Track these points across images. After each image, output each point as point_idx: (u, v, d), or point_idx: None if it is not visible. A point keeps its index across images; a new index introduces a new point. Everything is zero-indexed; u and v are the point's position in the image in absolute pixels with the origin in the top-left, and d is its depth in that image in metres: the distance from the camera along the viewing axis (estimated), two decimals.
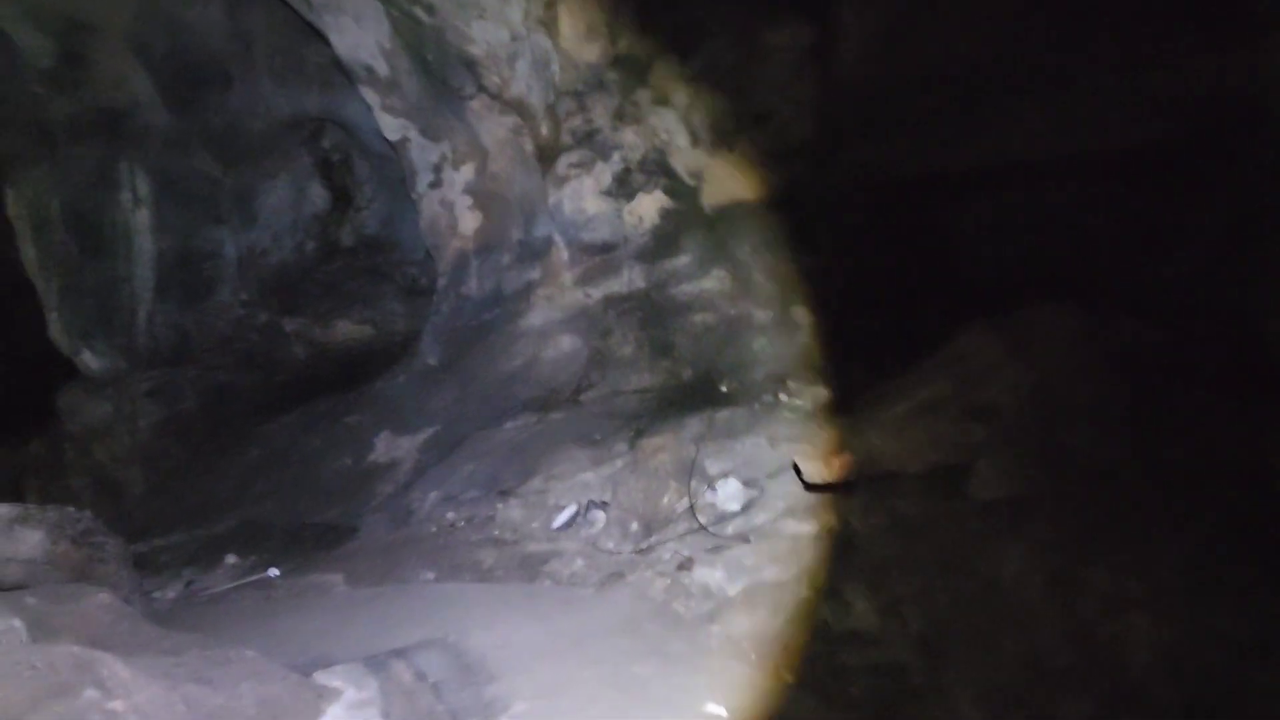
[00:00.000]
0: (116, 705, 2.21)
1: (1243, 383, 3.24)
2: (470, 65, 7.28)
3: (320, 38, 8.36)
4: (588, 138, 7.36)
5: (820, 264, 6.55)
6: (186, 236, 10.74)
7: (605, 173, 7.30)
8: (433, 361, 7.95)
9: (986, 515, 3.02)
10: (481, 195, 7.80)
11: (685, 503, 4.93)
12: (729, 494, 4.94)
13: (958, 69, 6.12)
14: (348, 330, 11.17)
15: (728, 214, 6.99)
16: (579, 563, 4.75)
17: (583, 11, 7.07)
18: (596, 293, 7.27)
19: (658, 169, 7.26)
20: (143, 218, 10.70)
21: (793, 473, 4.28)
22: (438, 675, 3.06)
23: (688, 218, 7.13)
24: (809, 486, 3.95)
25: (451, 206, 7.97)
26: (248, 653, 2.88)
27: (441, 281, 8.26)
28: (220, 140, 10.54)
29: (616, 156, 7.30)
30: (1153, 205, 5.14)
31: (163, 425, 10.33)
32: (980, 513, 3.06)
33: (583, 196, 7.33)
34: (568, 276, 7.37)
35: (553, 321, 7.37)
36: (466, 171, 7.77)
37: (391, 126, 7.92)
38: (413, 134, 7.92)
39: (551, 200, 7.38)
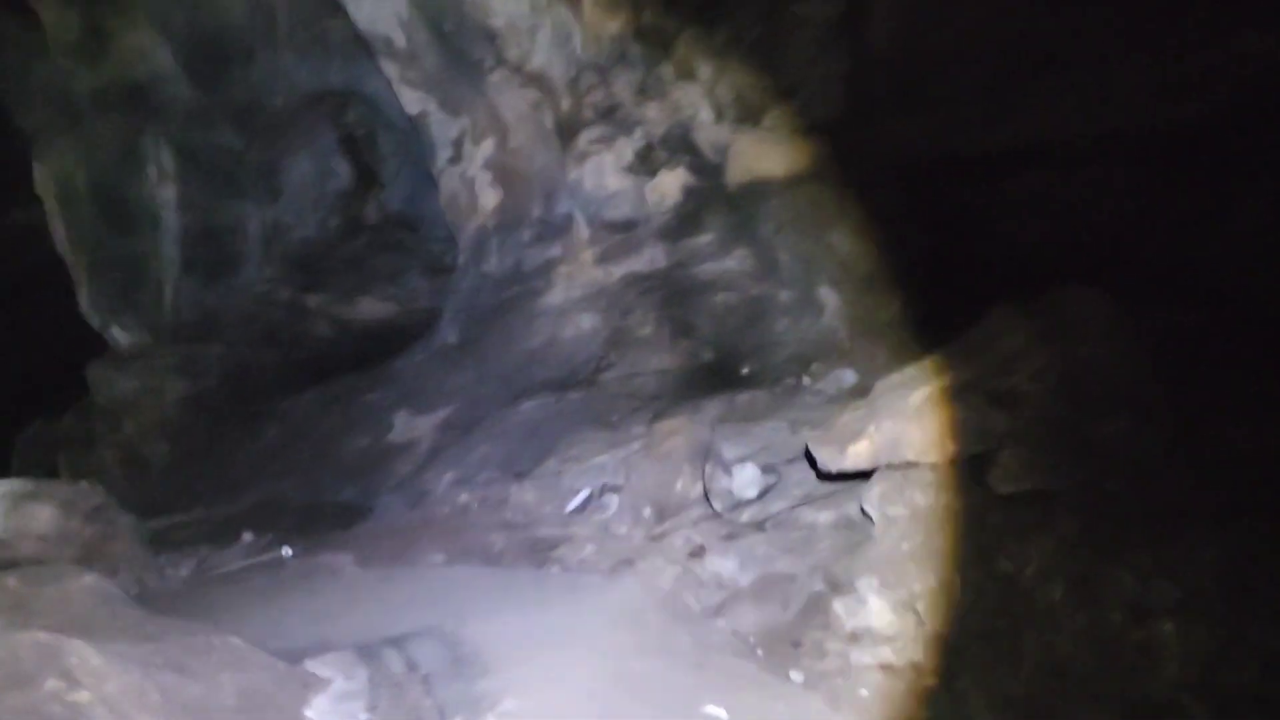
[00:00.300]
0: (81, 696, 2.11)
1: None
2: (490, 37, 7.13)
3: (342, 10, 8.24)
4: (609, 112, 7.20)
5: (846, 244, 6.36)
6: (210, 212, 10.72)
7: (627, 148, 7.14)
8: (452, 340, 7.86)
9: (1009, 509, 2.85)
10: (501, 171, 7.66)
11: (699, 488, 4.79)
12: (745, 480, 4.78)
13: (989, 45, 5.90)
14: (371, 308, 11.11)
15: (752, 191, 6.81)
16: (589, 548, 4.63)
17: None
18: (617, 271, 7.12)
19: (681, 145, 7.09)
20: (168, 193, 10.70)
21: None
22: (430, 666, 2.96)
23: (711, 195, 6.95)
24: (823, 475, 3.79)
25: (471, 183, 7.84)
26: (233, 640, 2.79)
27: (461, 259, 8.15)
28: (243, 115, 10.49)
29: (639, 132, 7.14)
30: (1192, 186, 4.91)
31: (188, 401, 10.36)
32: (1002, 506, 2.89)
33: (604, 173, 7.17)
34: (588, 254, 7.23)
35: (572, 300, 7.24)
36: (486, 147, 7.64)
37: (411, 100, 7.79)
38: (432, 108, 7.79)
39: (572, 176, 7.23)
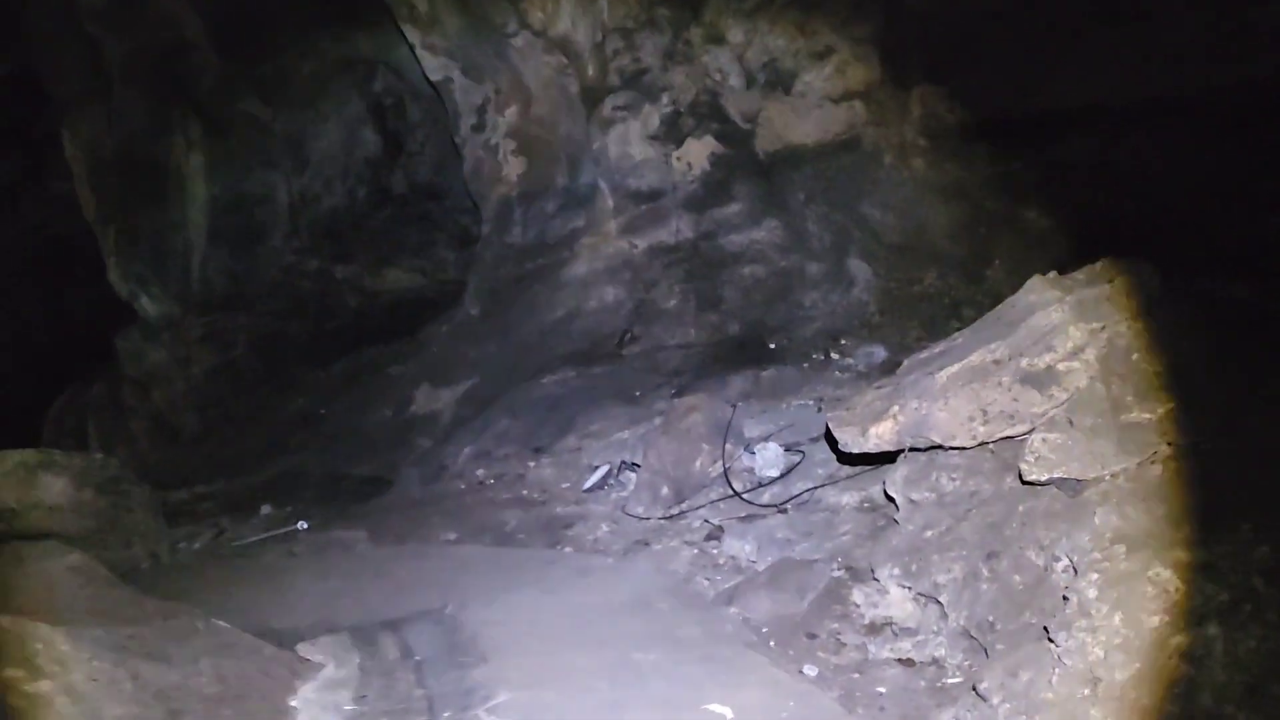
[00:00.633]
0: (42, 686, 2.00)
1: None
2: (514, 0, 6.93)
3: None
4: (635, 78, 6.98)
5: (879, 214, 6.13)
6: (237, 181, 10.64)
7: (653, 116, 6.92)
8: (475, 312, 7.72)
9: (1041, 498, 2.66)
10: (525, 139, 7.48)
11: (719, 467, 4.62)
12: (768, 459, 4.61)
13: (1032, 4, 5.61)
14: (398, 278, 11.00)
15: (782, 160, 6.59)
16: (604, 528, 4.48)
17: None
18: (642, 242, 6.93)
19: (709, 112, 6.86)
20: (195, 162, 10.62)
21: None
22: (426, 652, 2.83)
23: (739, 164, 6.73)
24: (844, 457, 3.60)
25: (495, 151, 7.67)
26: (219, 623, 2.67)
27: (485, 229, 7.99)
28: (270, 83, 10.37)
29: (665, 98, 6.92)
30: (1247, 151, 4.62)
31: (215, 372, 10.34)
32: (1034, 494, 2.69)
33: (629, 141, 6.97)
34: (612, 225, 7.04)
35: (596, 272, 7.06)
36: (510, 114, 7.45)
37: (433, 66, 7.62)
38: (455, 74, 7.61)
39: (596, 145, 7.04)
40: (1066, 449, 2.61)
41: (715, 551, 3.98)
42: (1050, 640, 2.24)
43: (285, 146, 10.78)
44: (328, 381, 9.08)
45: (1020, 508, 2.71)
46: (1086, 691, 2.07)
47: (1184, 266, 3.36)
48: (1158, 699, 1.91)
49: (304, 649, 2.94)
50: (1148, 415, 2.58)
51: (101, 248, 10.83)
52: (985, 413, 2.97)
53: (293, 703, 2.48)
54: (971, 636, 2.67)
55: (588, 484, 5.15)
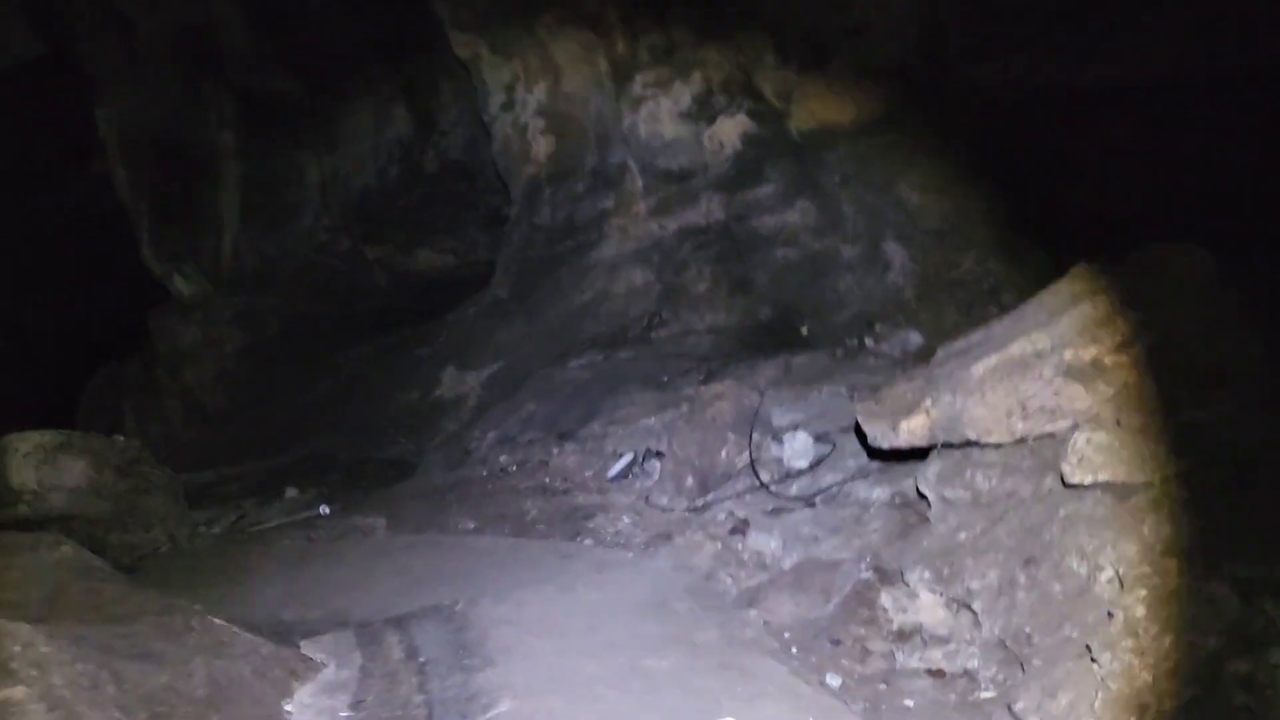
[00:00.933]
0: (15, 693, 1.90)
1: None
2: None
3: None
4: (666, 55, 6.78)
5: (915, 196, 5.91)
6: (269, 160, 10.60)
7: (684, 93, 6.73)
8: (502, 294, 7.61)
9: (1084, 502, 2.47)
10: (554, 117, 7.32)
11: (746, 457, 4.46)
12: (797, 449, 4.43)
13: None
14: (430, 259, 10.92)
15: (816, 139, 6.37)
16: (625, 520, 4.35)
17: None
18: (672, 224, 6.76)
19: (741, 90, 6.65)
20: (227, 140, 10.61)
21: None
22: (431, 652, 2.71)
23: (772, 144, 6.53)
24: (874, 452, 3.43)
25: (524, 130, 7.52)
26: (215, 621, 2.57)
27: (514, 210, 7.87)
28: (301, 61, 10.30)
29: (697, 76, 6.72)
30: None
31: (247, 351, 10.36)
32: (1076, 497, 2.51)
33: (659, 119, 6.79)
34: (642, 206, 6.88)
35: (625, 254, 6.91)
36: (539, 92, 7.29)
37: (461, 42, 7.48)
38: (483, 50, 7.46)
39: (626, 123, 6.87)
40: (1113, 450, 2.42)
41: (739, 547, 3.83)
42: (1093, 659, 2.07)
43: (316, 125, 10.73)
44: (356, 363, 9.03)
45: (1061, 511, 2.53)
46: (1133, 714, 1.90)
47: (1242, 251, 3.14)
48: None
49: (307, 646, 2.84)
50: (1204, 414, 2.38)
51: (135, 226, 10.86)
52: (1024, 408, 2.79)
53: (287, 707, 2.38)
54: (1007, 648, 2.50)
55: (611, 472, 5.01)
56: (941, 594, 2.78)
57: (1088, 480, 2.45)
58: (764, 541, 3.75)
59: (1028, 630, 2.44)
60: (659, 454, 4.88)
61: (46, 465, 5.11)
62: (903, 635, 2.80)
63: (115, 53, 10.55)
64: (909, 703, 2.51)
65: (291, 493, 6.31)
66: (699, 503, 4.33)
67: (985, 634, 2.59)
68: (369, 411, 7.97)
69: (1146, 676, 1.90)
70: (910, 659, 2.69)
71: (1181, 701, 1.83)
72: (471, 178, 11.37)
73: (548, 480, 5.17)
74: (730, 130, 6.61)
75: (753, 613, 3.02)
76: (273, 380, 9.81)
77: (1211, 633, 1.88)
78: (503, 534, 4.38)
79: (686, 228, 6.69)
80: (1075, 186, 5.16)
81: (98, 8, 10.34)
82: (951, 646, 2.67)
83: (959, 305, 5.38)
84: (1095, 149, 5.13)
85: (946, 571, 2.80)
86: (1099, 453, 2.44)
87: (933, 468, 3.10)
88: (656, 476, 4.70)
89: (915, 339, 5.50)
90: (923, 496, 3.19)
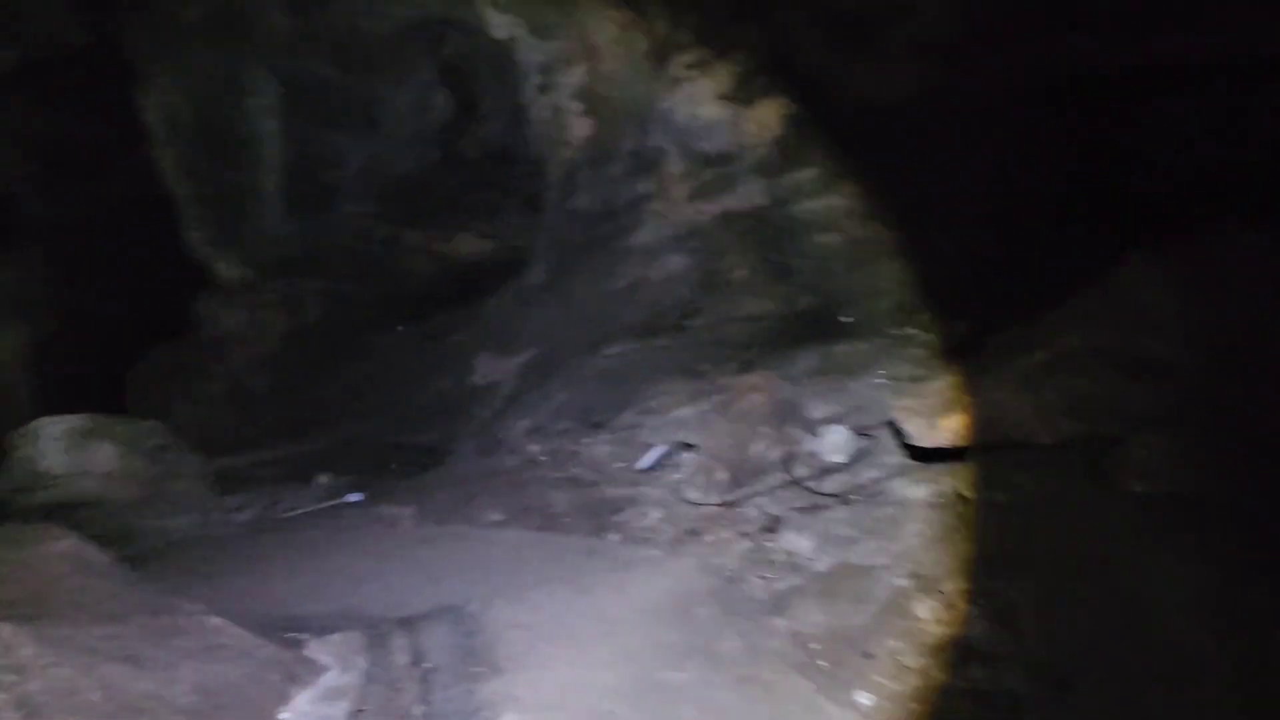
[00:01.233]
0: None
1: None
2: None
3: None
4: (706, 35, 6.58)
5: (964, 180, 5.66)
6: (310, 144, 10.58)
7: (724, 74, 6.54)
8: (538, 280, 7.49)
9: (1139, 511, 2.27)
10: (592, 99, 7.16)
11: (780, 451, 4.29)
12: (834, 443, 4.25)
13: None
14: (469, 244, 10.84)
15: (859, 122, 6.14)
16: (654, 514, 4.20)
17: None
18: (711, 209, 6.59)
19: (783, 70, 6.44)
20: (270, 125, 10.60)
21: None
22: (439, 658, 2.59)
23: (815, 126, 6.31)
24: (914, 449, 3.24)
25: (561, 112, 7.38)
26: (211, 620, 2.47)
27: (551, 194, 7.74)
28: (342, 44, 10.24)
29: (738, 56, 6.51)
30: None
31: (290, 335, 10.38)
32: (1129, 505, 2.31)
33: (698, 101, 6.60)
34: (680, 190, 6.71)
35: (663, 239, 6.74)
36: (576, 74, 7.14)
37: (499, 23, 7.35)
38: (521, 32, 7.32)
39: (664, 105, 6.69)
40: (1175, 456, 2.21)
41: (771, 545, 3.66)
42: (1146, 680, 1.88)
43: (356, 109, 10.68)
44: (393, 348, 9.00)
45: (1113, 520, 2.33)
46: None
47: None
48: None
49: (314, 646, 2.73)
50: (1272, 419, 2.17)
51: (180, 210, 10.91)
52: (1077, 407, 2.59)
53: (282, 715, 2.27)
54: (1052, 666, 2.31)
55: (643, 464, 4.87)
56: (984, 607, 2.59)
57: (1145, 488, 2.25)
58: (796, 541, 3.58)
59: (1075, 645, 2.25)
60: (692, 446, 4.73)
61: (76, 449, 5.10)
62: (942, 651, 2.61)
63: (158, 39, 10.58)
64: None
65: (325, 478, 6.27)
66: (730, 497, 4.16)
67: (1030, 651, 2.40)
68: (403, 397, 7.92)
69: (1209, 702, 1.71)
70: (950, 677, 2.50)
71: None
72: (511, 162, 11.25)
73: (578, 471, 5.04)
74: (771, 112, 6.41)
75: (780, 620, 2.85)
76: (312, 364, 9.82)
77: (1271, 648, 1.68)
78: (528, 527, 4.26)
79: (726, 213, 6.51)
80: (1130, 169, 4.88)
81: None
82: (994, 665, 2.48)
83: (1007, 294, 5.14)
84: (1150, 130, 4.86)
85: (987, 582, 2.61)
86: (1159, 458, 2.25)
87: (975, 468, 2.91)
88: (688, 469, 4.55)
89: (961, 329, 5.27)
90: (963, 499, 3.00)
